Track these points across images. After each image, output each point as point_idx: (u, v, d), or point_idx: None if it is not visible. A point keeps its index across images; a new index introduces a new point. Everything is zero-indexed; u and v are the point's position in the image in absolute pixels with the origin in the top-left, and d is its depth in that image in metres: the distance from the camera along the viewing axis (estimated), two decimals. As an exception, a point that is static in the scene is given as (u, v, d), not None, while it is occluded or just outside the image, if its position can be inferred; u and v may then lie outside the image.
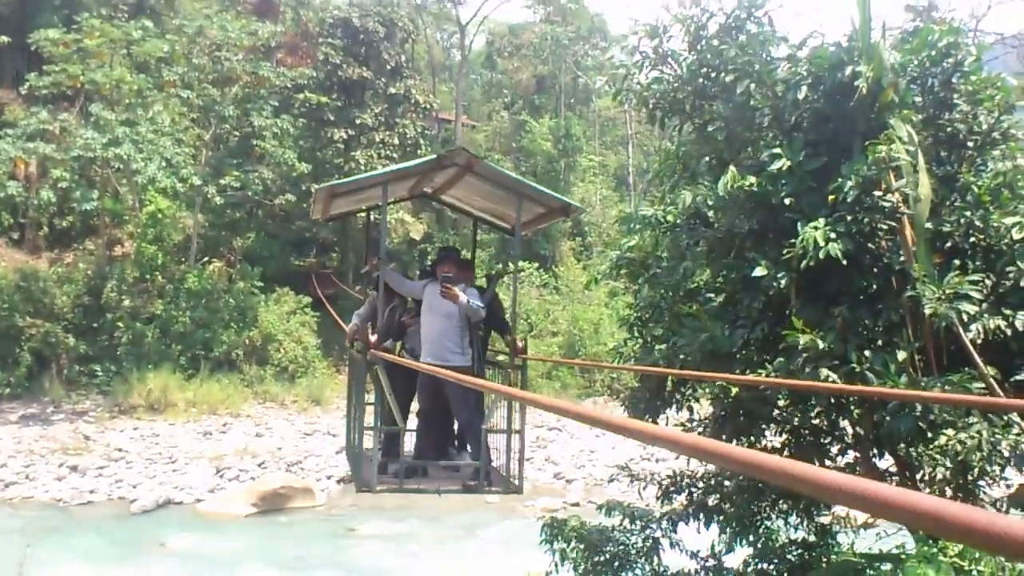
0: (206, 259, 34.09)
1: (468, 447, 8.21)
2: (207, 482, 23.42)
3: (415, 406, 8.51)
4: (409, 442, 8.43)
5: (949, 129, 7.60)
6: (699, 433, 8.71)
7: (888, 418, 6.79)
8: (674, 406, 8.84)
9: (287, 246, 36.72)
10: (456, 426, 8.50)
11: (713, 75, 7.77)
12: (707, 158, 8.23)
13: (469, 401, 7.94)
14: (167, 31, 34.06)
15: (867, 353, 6.67)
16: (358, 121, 36.26)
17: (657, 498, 9.75)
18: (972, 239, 7.23)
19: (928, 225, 6.83)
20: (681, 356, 7.83)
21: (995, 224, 7.10)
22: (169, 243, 33.42)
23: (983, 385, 6.39)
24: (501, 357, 8.78)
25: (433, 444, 8.31)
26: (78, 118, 31.17)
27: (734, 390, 7.78)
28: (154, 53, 32.59)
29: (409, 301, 8.64)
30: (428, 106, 39.69)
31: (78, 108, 32.05)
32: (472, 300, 7.80)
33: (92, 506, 21.45)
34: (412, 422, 8.53)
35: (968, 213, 7.16)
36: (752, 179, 6.92)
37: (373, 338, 7.28)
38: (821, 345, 6.49)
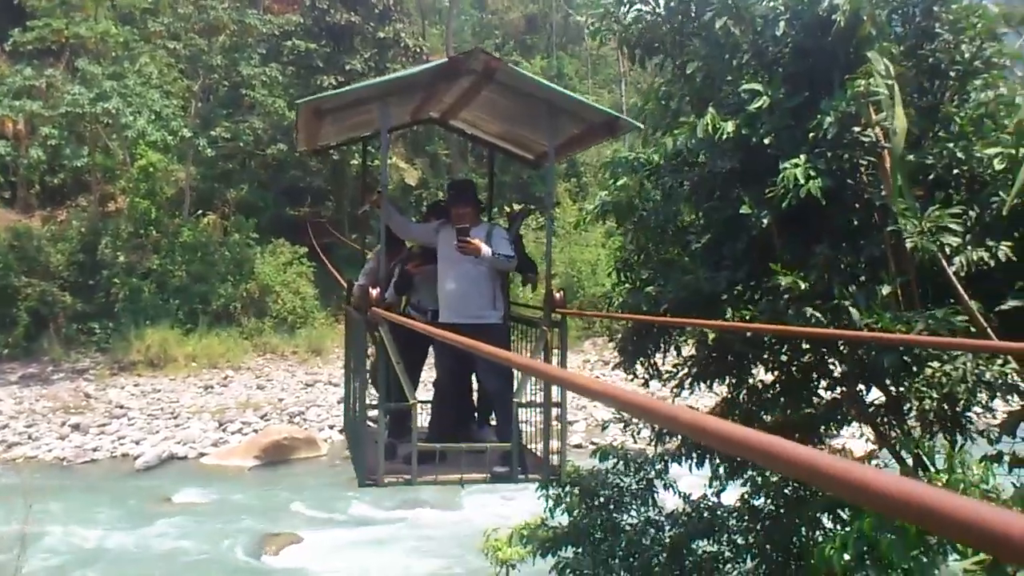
0: (200, 212, 34.10)
1: (493, 422, 7.10)
2: (210, 436, 23.61)
3: (427, 373, 7.34)
4: (421, 418, 6.80)
5: (931, 60, 7.48)
6: (686, 373, 8.74)
7: (873, 353, 6.80)
8: (662, 348, 8.84)
9: (281, 196, 36.61)
10: (476, 397, 7.37)
11: (691, 13, 7.65)
12: (687, 98, 8.13)
13: (500, 368, 6.53)
14: (151, -20, 33.74)
15: (851, 289, 6.65)
16: (347, 67, 35.98)
17: (649, 442, 9.79)
18: (955, 171, 7.17)
19: (910, 158, 6.78)
20: (668, 298, 7.81)
21: (978, 155, 7.04)
22: (162, 197, 33.41)
23: (966, 317, 6.37)
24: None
25: (451, 421, 6.92)
26: (64, 73, 31.04)
27: (712, 334, 7.77)
28: (139, 4, 32.51)
29: (413, 247, 7.38)
30: (418, 49, 39.34)
31: (64, 63, 31.87)
32: (499, 249, 6.56)
33: (95, 464, 21.65)
34: (422, 392, 7.08)
35: (951, 145, 7.07)
36: (730, 124, 6.84)
37: (374, 292, 5.93)
38: (803, 286, 6.47)
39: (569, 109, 6.55)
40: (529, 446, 6.98)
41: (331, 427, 24.54)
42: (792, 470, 1.12)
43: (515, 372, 6.71)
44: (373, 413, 6.55)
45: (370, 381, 6.84)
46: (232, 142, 33.47)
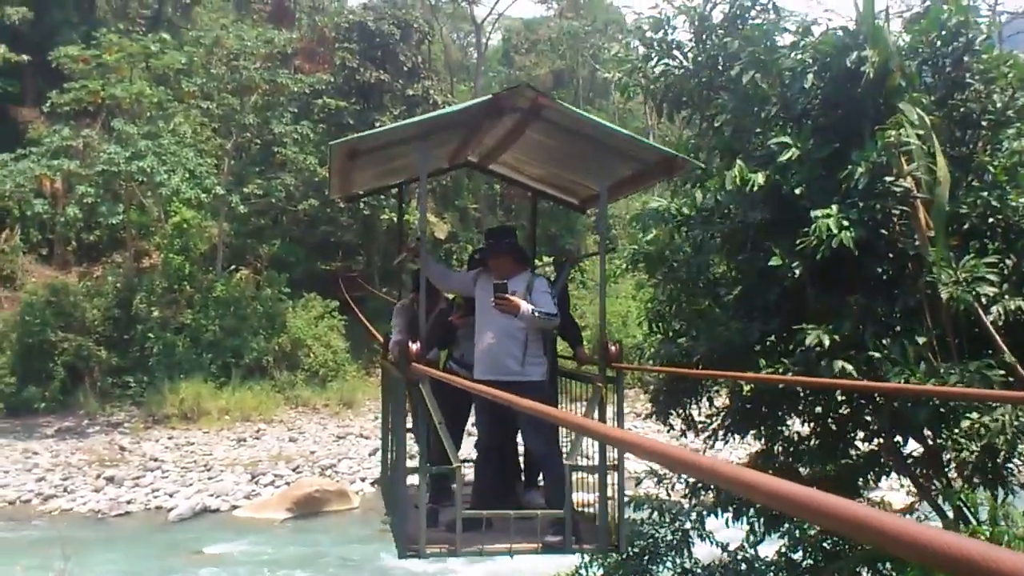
0: (233, 267, 34.35)
1: (540, 483, 6.76)
2: (243, 488, 23.55)
3: (469, 431, 6.98)
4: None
5: (963, 109, 7.49)
6: (720, 424, 8.68)
7: (909, 405, 6.74)
8: (695, 399, 8.80)
9: (312, 251, 36.85)
10: (522, 456, 6.98)
11: (719, 67, 7.71)
12: (716, 150, 8.17)
13: (546, 428, 6.16)
14: (184, 43, 34.30)
15: (884, 341, 6.61)
16: (377, 124, 36.30)
17: (684, 496, 9.69)
18: (990, 220, 7.15)
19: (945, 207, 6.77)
20: (701, 350, 7.79)
21: (1013, 204, 7.02)
22: (196, 253, 33.72)
23: (1003, 371, 6.31)
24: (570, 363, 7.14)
25: (497, 484, 6.48)
26: (100, 133, 31.51)
27: (748, 385, 7.72)
28: (173, 65, 32.87)
29: (456, 298, 7.05)
30: (446, 106, 39.72)
31: (100, 123, 32.37)
32: (540, 305, 6.05)
33: (130, 516, 21.61)
34: (463, 451, 6.75)
35: (984, 194, 7.06)
36: (760, 175, 6.86)
37: (414, 347, 5.53)
38: (826, 341, 6.42)
39: (622, 148, 6.11)
40: (578, 498, 6.47)
41: (363, 479, 24.44)
42: (837, 524, 1.11)
43: (561, 431, 6.43)
44: (412, 475, 6.13)
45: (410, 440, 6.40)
46: (264, 198, 33.82)
